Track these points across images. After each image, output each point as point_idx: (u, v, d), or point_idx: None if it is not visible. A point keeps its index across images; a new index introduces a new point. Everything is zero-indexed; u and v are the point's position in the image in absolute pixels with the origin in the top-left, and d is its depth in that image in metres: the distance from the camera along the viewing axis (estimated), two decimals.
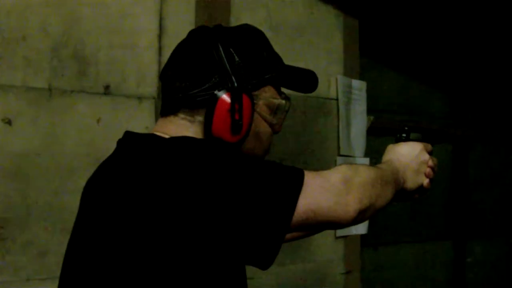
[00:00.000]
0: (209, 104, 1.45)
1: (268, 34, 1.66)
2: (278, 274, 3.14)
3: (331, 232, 3.30)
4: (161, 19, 2.77)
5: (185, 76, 1.48)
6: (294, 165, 1.38)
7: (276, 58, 1.59)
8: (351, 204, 1.35)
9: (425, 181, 1.70)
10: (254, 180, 1.28)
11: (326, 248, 3.38)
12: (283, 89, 1.62)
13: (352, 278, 3.50)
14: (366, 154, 3.62)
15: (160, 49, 2.74)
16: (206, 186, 1.25)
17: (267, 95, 1.54)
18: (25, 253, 2.40)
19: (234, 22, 2.94)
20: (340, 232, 3.40)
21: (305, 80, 1.67)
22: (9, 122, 2.39)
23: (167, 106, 1.52)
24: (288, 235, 1.33)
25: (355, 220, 1.39)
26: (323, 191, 1.32)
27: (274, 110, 1.56)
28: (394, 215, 4.06)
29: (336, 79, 3.45)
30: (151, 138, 1.44)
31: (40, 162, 2.44)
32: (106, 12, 2.62)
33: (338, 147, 3.46)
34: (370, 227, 3.57)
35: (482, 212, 4.76)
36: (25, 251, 2.40)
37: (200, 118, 1.47)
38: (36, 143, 2.44)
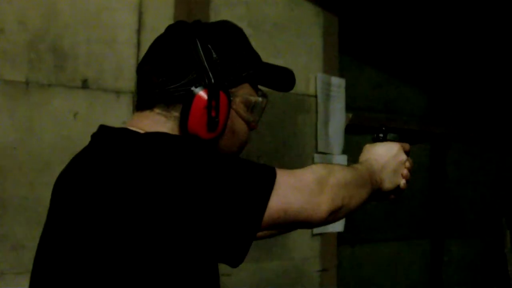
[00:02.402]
0: (186, 100, 1.44)
1: (248, 31, 1.67)
2: (255, 271, 3.14)
3: (307, 229, 3.30)
4: (140, 14, 2.75)
5: (162, 71, 1.47)
6: (271, 162, 1.38)
7: (254, 55, 1.59)
8: (322, 205, 1.35)
9: (402, 182, 1.70)
10: (226, 179, 1.27)
11: (303, 246, 3.38)
12: (261, 87, 1.62)
13: (328, 276, 3.51)
14: (344, 152, 3.62)
15: (138, 44, 2.73)
16: (177, 184, 1.24)
17: (244, 93, 1.53)
18: (0, 247, 2.38)
19: (213, 18, 2.94)
20: (317, 230, 3.40)
21: (283, 78, 1.66)
22: None
23: (143, 101, 1.51)
24: (261, 233, 1.32)
25: (327, 221, 1.39)
26: (295, 191, 1.32)
27: (251, 107, 1.55)
28: (371, 213, 4.07)
29: (316, 77, 3.45)
30: (125, 133, 1.43)
31: (16, 156, 2.43)
32: (85, 6, 2.61)
33: (316, 144, 3.46)
34: (347, 225, 3.58)
35: (460, 211, 4.78)
36: (0, 245, 2.38)
37: (176, 114, 1.46)
38: (12, 136, 2.43)
